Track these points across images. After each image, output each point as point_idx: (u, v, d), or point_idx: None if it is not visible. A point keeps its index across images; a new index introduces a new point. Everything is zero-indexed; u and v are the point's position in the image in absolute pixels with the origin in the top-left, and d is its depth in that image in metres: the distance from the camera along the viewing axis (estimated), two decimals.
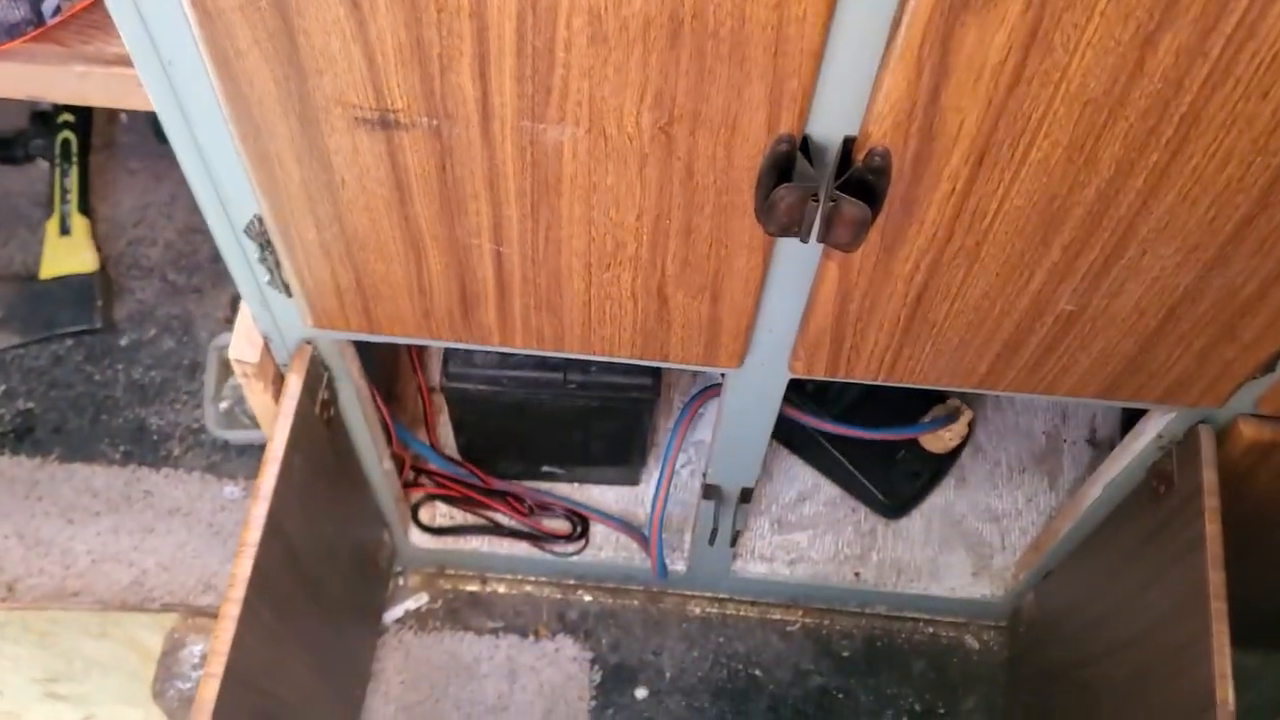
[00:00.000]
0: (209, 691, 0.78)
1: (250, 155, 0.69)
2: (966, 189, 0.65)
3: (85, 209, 1.53)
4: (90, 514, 1.34)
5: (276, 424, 0.88)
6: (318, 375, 0.92)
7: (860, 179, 0.64)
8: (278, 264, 0.80)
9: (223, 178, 0.73)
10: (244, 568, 0.82)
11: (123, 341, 1.46)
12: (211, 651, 0.79)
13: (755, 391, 0.92)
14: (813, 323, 0.79)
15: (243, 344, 0.91)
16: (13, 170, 1.58)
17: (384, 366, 1.25)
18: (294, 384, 0.89)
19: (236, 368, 0.92)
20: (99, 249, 1.51)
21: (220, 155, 0.71)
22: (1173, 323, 0.76)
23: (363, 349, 0.98)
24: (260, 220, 0.76)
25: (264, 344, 0.91)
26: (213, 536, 1.33)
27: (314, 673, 1.04)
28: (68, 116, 1.56)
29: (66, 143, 1.55)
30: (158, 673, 1.14)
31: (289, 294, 0.84)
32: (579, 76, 0.60)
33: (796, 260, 0.74)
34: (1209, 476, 0.86)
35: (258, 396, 0.94)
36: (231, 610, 0.81)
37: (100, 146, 1.60)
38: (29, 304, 1.46)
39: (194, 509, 1.35)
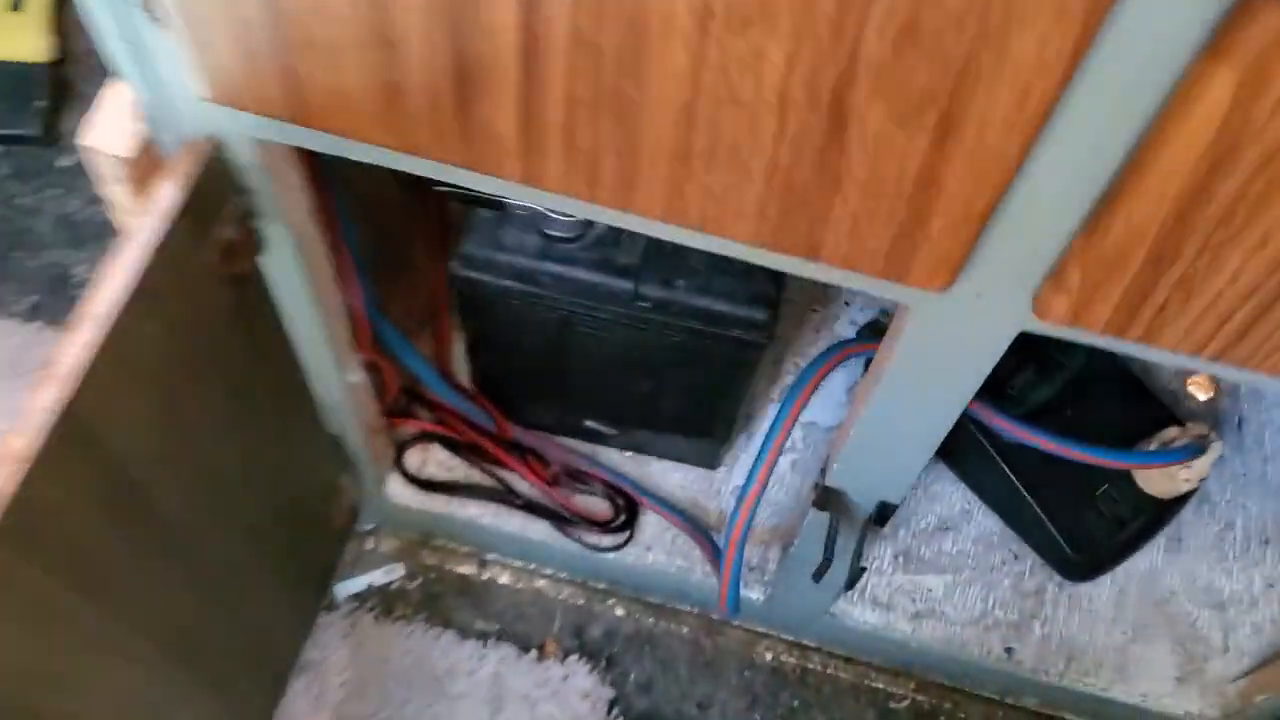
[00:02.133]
0: None
1: None
2: None
3: None
4: None
5: (118, 257, 0.51)
6: (220, 196, 0.55)
7: None
8: None
9: None
10: None
11: (64, 162, 1.15)
12: None
13: (954, 345, 0.53)
14: (1122, 216, 0.40)
15: (106, 127, 0.54)
16: None
17: (396, 226, 0.87)
18: (167, 196, 0.52)
19: (95, 162, 0.55)
20: (59, 37, 1.19)
21: None
22: None
23: (349, 172, 0.62)
24: None
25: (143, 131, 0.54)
26: None
27: (150, 671, 0.67)
28: None
29: None
30: None
31: (166, 28, 0.47)
32: None
33: (1134, 64, 0.35)
34: None
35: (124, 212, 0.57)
36: None
37: None
38: None
39: None
